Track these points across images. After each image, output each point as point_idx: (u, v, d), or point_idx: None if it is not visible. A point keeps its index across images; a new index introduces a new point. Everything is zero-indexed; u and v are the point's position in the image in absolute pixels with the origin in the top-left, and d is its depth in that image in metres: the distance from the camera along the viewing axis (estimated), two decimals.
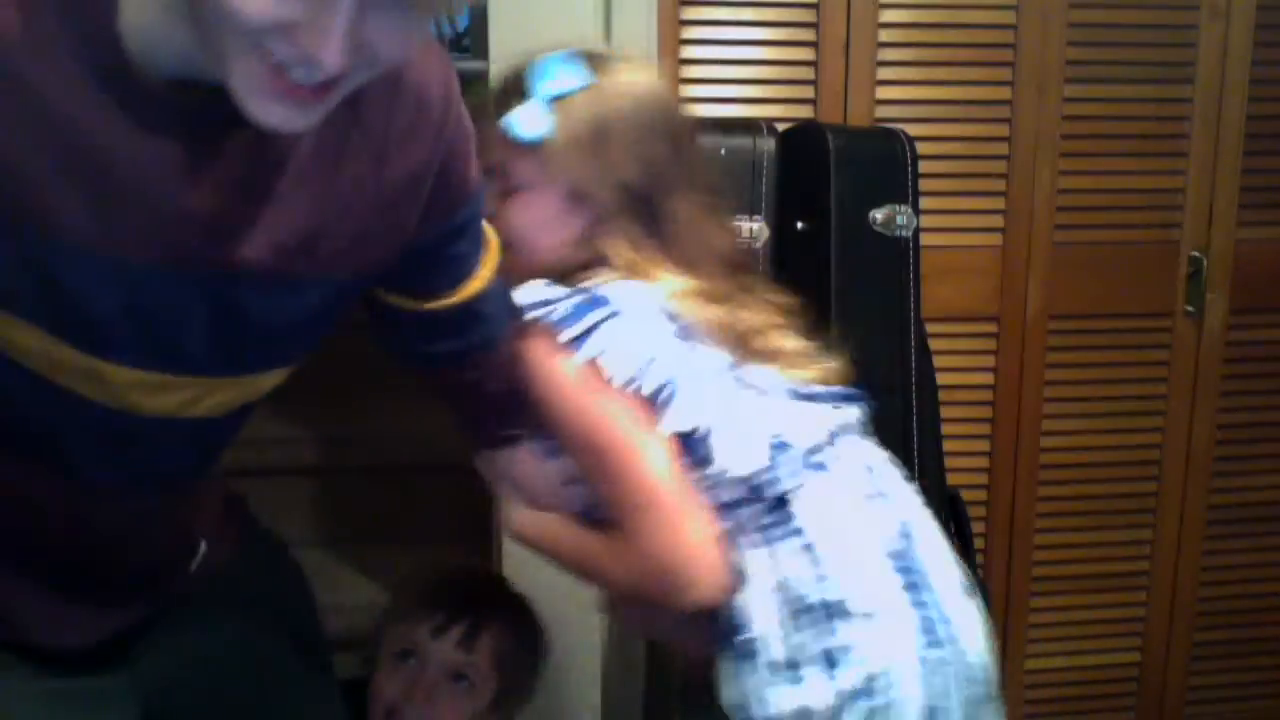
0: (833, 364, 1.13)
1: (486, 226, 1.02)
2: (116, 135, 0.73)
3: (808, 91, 1.81)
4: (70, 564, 0.95)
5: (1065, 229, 1.89)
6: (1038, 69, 1.83)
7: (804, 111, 1.81)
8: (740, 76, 1.81)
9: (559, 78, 1.05)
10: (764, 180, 1.66)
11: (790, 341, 1.10)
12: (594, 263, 1.07)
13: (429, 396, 1.13)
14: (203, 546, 1.07)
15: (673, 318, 1.04)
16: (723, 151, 1.66)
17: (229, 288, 0.82)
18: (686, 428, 1.01)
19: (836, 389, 1.13)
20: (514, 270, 1.06)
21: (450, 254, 0.97)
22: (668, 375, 1.01)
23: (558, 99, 1.05)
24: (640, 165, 1.06)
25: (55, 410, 0.84)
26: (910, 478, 1.19)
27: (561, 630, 1.73)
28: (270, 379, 0.93)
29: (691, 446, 1.01)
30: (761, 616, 1.01)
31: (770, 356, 1.08)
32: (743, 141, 1.66)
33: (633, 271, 1.05)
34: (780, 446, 1.03)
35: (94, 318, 0.79)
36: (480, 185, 0.97)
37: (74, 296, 0.78)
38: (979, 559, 1.93)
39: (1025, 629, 2.00)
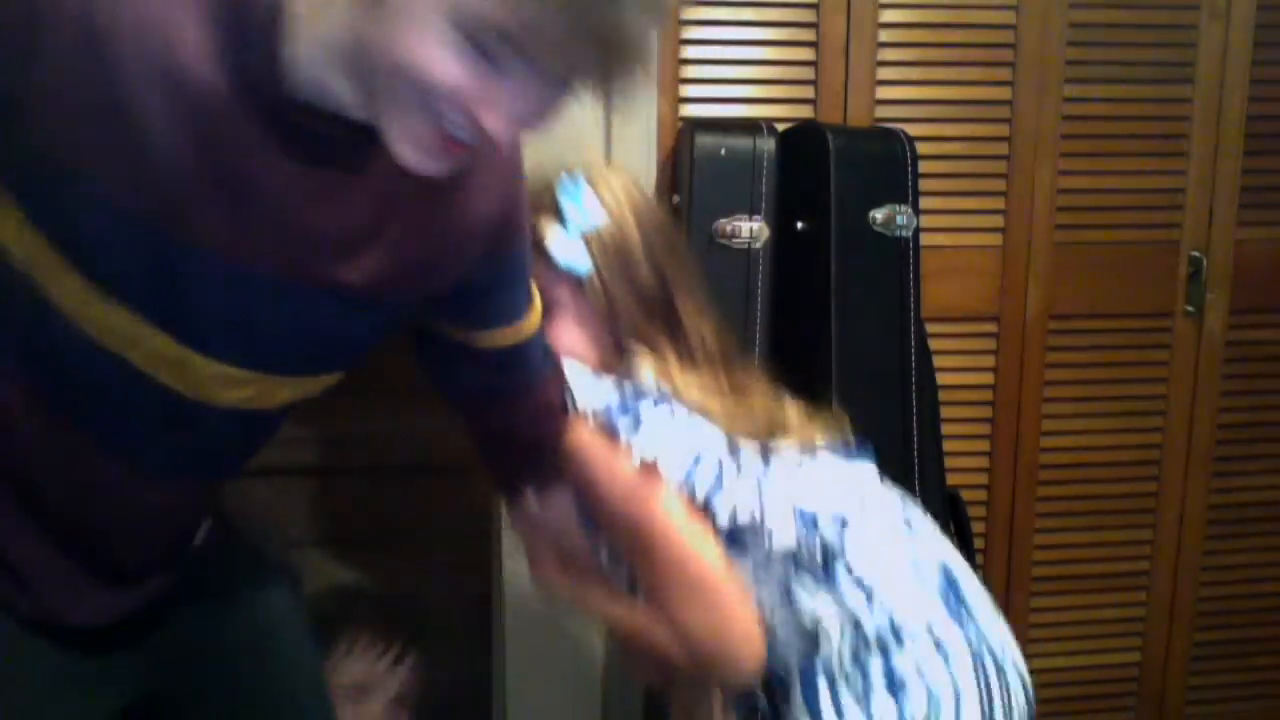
0: (833, 422, 1.23)
1: (534, 284, 1.08)
2: (265, 155, 0.79)
3: (808, 91, 1.81)
4: (103, 540, 0.97)
5: (1065, 229, 1.89)
6: (1038, 69, 1.83)
7: (804, 111, 1.81)
8: (740, 76, 1.81)
9: (586, 212, 1.17)
10: (764, 180, 1.66)
11: (795, 414, 1.21)
12: (625, 365, 1.16)
13: (429, 398, 1.14)
14: (206, 523, 1.10)
15: (698, 411, 1.13)
16: (723, 151, 1.66)
17: (324, 301, 0.88)
18: (731, 514, 1.09)
19: (847, 446, 1.23)
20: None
21: (500, 293, 1.03)
22: (709, 465, 1.10)
23: (587, 230, 1.17)
24: (656, 275, 1.18)
25: (128, 392, 0.87)
26: (916, 492, 1.26)
27: (562, 633, 1.74)
28: (327, 380, 0.99)
29: (737, 532, 1.10)
30: (828, 648, 1.10)
31: (786, 431, 1.18)
32: (743, 141, 1.66)
33: (661, 373, 1.15)
34: (816, 513, 1.12)
35: (200, 314, 0.84)
36: (527, 233, 1.03)
37: (187, 292, 0.82)
38: (979, 559, 1.93)
39: (1025, 629, 2.00)
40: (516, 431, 1.13)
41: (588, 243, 1.16)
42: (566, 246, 1.16)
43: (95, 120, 0.74)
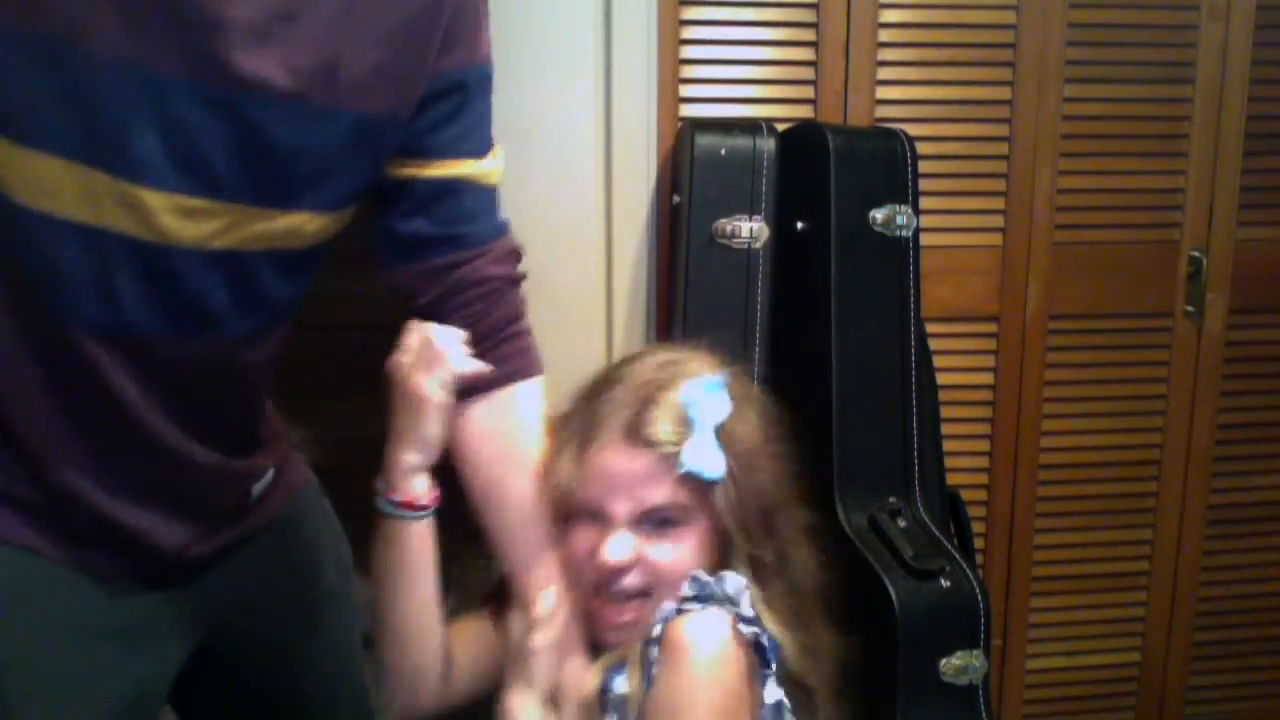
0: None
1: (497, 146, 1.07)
2: None
3: (808, 91, 1.81)
4: (144, 451, 0.94)
5: (1065, 229, 1.89)
6: (1038, 69, 1.83)
7: (804, 111, 1.81)
8: (740, 76, 1.81)
9: (715, 406, 1.08)
10: (764, 180, 1.66)
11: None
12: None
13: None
14: (270, 473, 1.09)
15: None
16: (723, 151, 1.66)
17: (251, 108, 0.84)
18: None
19: None
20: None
21: (463, 116, 1.01)
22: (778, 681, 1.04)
23: (719, 429, 1.08)
24: (773, 482, 1.12)
25: (92, 256, 0.85)
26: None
27: None
28: (305, 221, 0.94)
29: None
30: None
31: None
32: (743, 141, 1.66)
33: (757, 598, 1.07)
34: None
35: (123, 137, 0.81)
36: (490, 59, 1.02)
37: (102, 113, 0.80)
38: (979, 559, 1.93)
39: (1025, 629, 2.00)
40: (467, 307, 1.08)
41: (722, 443, 1.07)
42: (701, 450, 1.06)
43: None
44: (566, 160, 1.69)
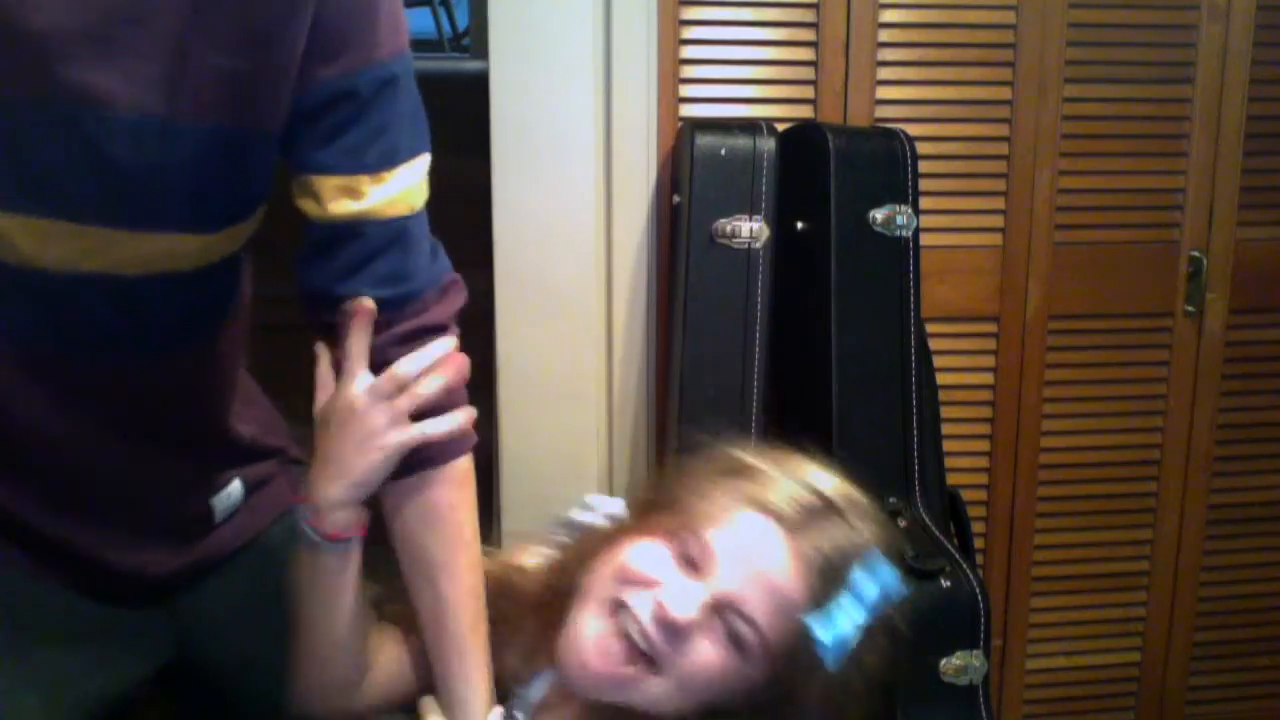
0: None
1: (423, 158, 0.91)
2: None
3: (808, 91, 1.81)
4: (76, 469, 0.92)
5: (1065, 229, 1.89)
6: (1038, 69, 1.83)
7: (804, 111, 1.81)
8: (740, 76, 1.81)
9: (885, 604, 0.93)
10: (764, 180, 1.66)
11: None
12: None
13: None
14: (234, 486, 1.04)
15: None
16: (723, 151, 1.66)
17: (91, 125, 0.77)
18: None
19: None
20: None
21: (355, 129, 0.85)
22: None
23: (867, 628, 0.93)
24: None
25: None
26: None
27: None
28: (178, 242, 0.86)
29: None
30: None
31: None
32: (743, 141, 1.66)
33: None
34: None
35: None
36: (400, 53, 0.87)
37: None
38: (979, 559, 1.93)
39: (1025, 629, 2.00)
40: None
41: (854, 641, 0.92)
42: (841, 628, 0.90)
43: None
44: (566, 160, 1.69)
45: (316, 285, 0.90)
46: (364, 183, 0.87)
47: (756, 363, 1.66)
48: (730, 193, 1.65)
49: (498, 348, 1.67)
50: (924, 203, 1.69)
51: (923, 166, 1.68)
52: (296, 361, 1.00)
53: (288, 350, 1.05)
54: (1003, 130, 1.85)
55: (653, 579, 0.92)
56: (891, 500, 1.65)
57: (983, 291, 1.89)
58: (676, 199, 1.71)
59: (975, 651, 1.51)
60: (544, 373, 1.69)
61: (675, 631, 0.90)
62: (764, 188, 1.66)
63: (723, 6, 1.78)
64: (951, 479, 1.80)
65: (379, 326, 0.91)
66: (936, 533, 1.62)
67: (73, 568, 0.95)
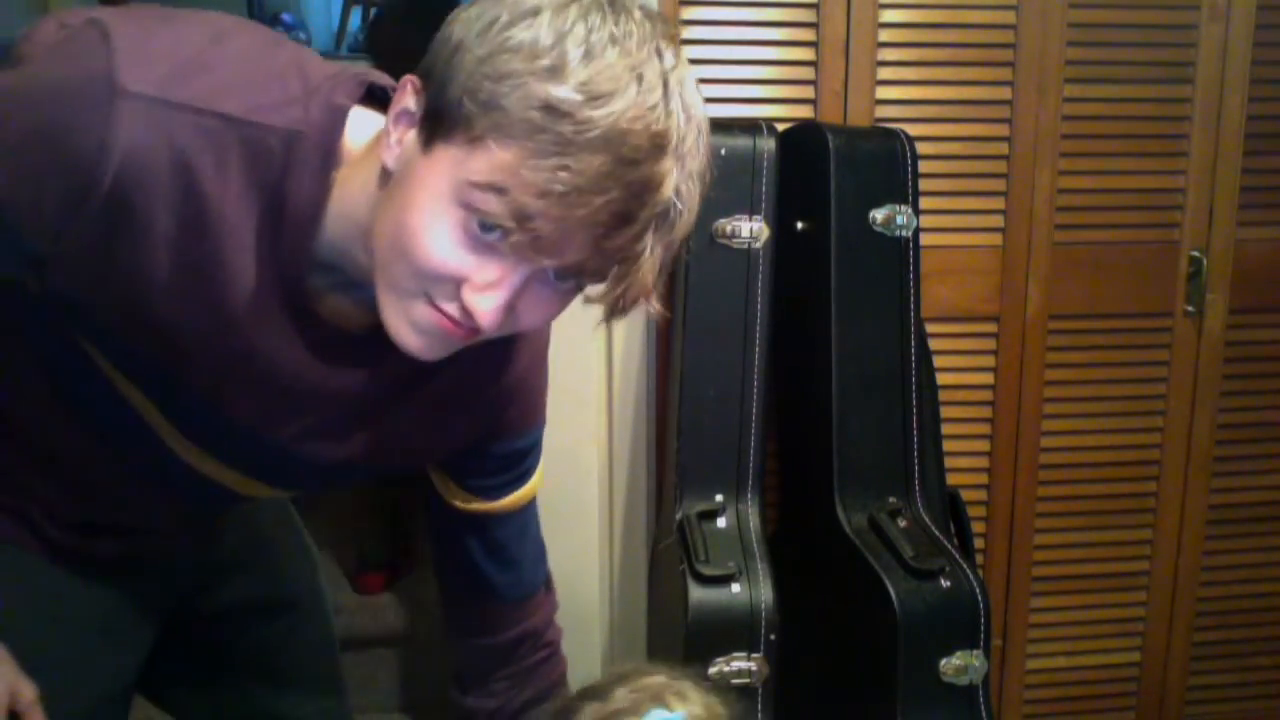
0: None
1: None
2: (278, 339, 0.81)
3: (808, 91, 1.81)
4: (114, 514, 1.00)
5: (1065, 229, 1.89)
6: (1038, 69, 1.83)
7: (804, 111, 1.81)
8: (740, 76, 1.81)
9: None
10: (764, 180, 1.66)
11: None
12: None
13: None
14: None
15: None
16: (723, 151, 1.66)
17: (312, 461, 0.91)
18: None
19: None
20: None
21: (511, 470, 1.01)
22: None
23: None
24: None
25: (119, 414, 0.89)
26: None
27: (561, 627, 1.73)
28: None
29: None
30: None
31: None
32: (743, 141, 1.66)
33: None
34: None
35: (193, 425, 0.88)
36: (539, 428, 1.01)
37: (189, 415, 0.87)
38: (979, 559, 1.93)
39: (1025, 629, 2.00)
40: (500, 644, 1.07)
41: None
42: None
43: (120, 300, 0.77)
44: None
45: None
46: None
47: (756, 363, 1.66)
48: (730, 193, 1.65)
49: None
50: (924, 203, 1.69)
51: (923, 166, 1.68)
52: None
53: None
54: (1003, 130, 1.85)
55: None
56: (891, 500, 1.65)
57: (983, 291, 1.89)
58: None
59: (975, 651, 1.51)
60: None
61: None
62: (764, 188, 1.66)
63: (723, 6, 1.78)
64: (951, 479, 1.80)
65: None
66: (936, 533, 1.62)
67: (96, 534, 0.99)
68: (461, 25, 0.69)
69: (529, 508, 1.05)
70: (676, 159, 0.69)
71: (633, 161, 0.67)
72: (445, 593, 1.09)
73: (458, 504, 1.00)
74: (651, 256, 0.70)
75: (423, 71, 0.72)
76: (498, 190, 0.67)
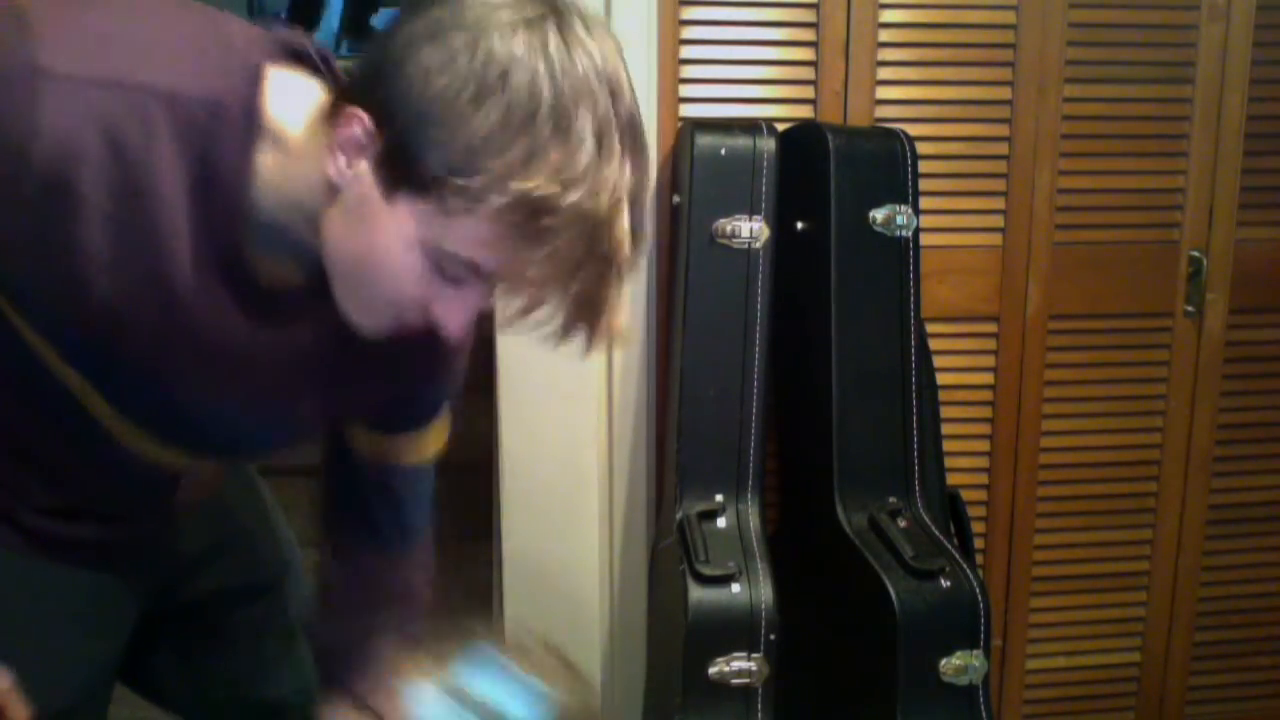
0: None
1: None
2: (219, 307, 0.81)
3: (808, 91, 1.81)
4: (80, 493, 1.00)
5: (1065, 229, 1.89)
6: (1038, 69, 1.83)
7: (804, 111, 1.81)
8: (740, 76, 1.81)
9: None
10: (764, 180, 1.66)
11: None
12: None
13: None
14: None
15: None
16: (723, 151, 1.66)
17: (265, 422, 0.94)
18: None
19: None
20: None
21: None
22: None
23: None
24: None
25: (61, 408, 0.89)
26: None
27: (561, 627, 1.74)
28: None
29: None
30: None
31: None
32: (743, 141, 1.66)
33: None
34: None
35: (138, 404, 0.89)
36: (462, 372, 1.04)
37: (127, 393, 0.88)
38: (979, 559, 1.93)
39: (1025, 629, 2.00)
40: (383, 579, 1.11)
41: None
42: None
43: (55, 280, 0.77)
44: None
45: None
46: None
47: (756, 363, 1.66)
48: (730, 192, 1.65)
49: (498, 347, 1.67)
50: (924, 203, 1.69)
51: (923, 166, 1.68)
52: None
53: None
54: (1003, 130, 1.85)
55: None
56: (891, 500, 1.66)
57: (983, 291, 1.89)
58: (676, 199, 1.71)
59: (975, 651, 1.51)
60: (544, 373, 1.69)
61: None
62: (764, 188, 1.66)
63: (723, 6, 1.78)
64: (951, 479, 1.80)
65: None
66: (936, 533, 1.62)
67: (72, 520, 0.99)
68: (421, 79, 0.70)
69: (428, 470, 1.09)
70: (637, 205, 0.73)
71: (605, 227, 0.70)
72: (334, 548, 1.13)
73: (364, 448, 1.04)
74: (619, 292, 0.74)
75: (373, 106, 0.72)
76: (473, 261, 0.71)
